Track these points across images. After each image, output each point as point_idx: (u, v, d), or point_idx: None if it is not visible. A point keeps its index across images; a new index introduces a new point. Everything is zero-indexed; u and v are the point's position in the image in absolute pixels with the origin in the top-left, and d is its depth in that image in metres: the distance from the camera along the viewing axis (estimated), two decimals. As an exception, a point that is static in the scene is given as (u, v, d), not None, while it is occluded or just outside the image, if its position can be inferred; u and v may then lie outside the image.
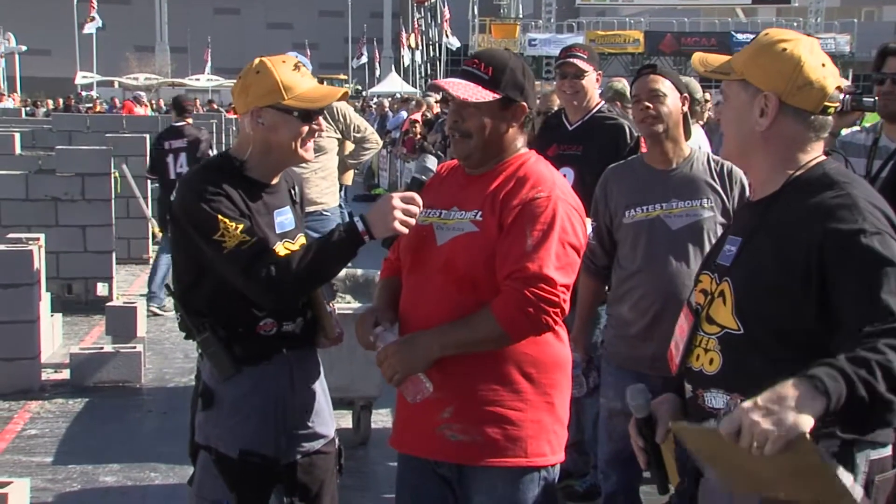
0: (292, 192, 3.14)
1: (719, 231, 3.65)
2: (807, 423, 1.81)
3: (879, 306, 1.97)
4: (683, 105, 3.76)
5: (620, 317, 3.82)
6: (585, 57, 4.82)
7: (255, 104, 2.93)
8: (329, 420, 3.20)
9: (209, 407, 3.01)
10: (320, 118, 3.02)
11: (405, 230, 2.77)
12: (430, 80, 45.30)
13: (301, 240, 3.06)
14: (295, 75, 2.94)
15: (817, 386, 1.82)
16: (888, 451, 2.16)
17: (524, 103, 2.79)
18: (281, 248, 2.95)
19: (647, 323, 3.70)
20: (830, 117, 2.21)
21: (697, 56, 2.33)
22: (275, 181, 3.05)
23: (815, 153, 2.22)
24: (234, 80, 3.10)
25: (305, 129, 2.95)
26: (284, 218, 3.02)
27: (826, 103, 2.18)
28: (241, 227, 2.84)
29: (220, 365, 2.95)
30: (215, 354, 2.94)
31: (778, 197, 2.19)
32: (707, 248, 3.62)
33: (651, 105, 3.70)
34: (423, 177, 2.91)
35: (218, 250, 2.83)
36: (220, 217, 2.84)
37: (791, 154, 2.20)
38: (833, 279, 2.04)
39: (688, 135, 3.80)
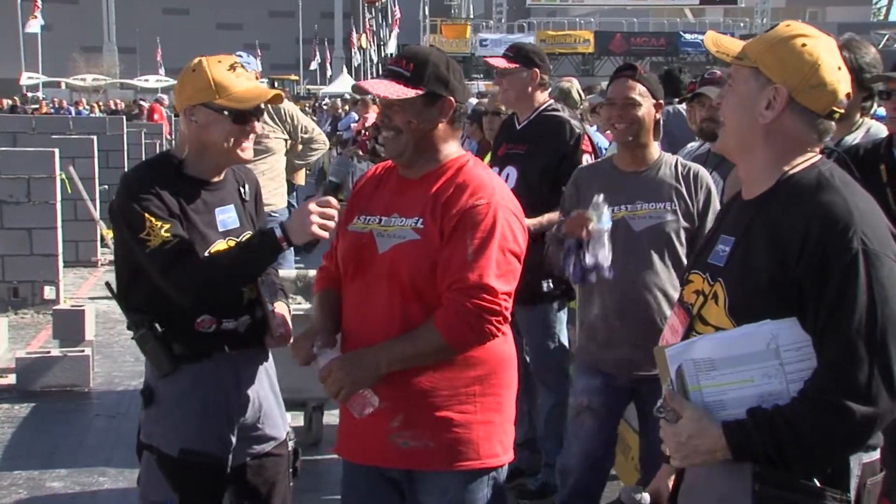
0: (242, 190, 3.13)
1: (682, 235, 3.68)
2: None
3: (837, 365, 1.99)
4: (657, 112, 3.77)
5: (588, 320, 3.85)
6: (510, 55, 4.80)
7: (188, 102, 2.96)
8: (280, 422, 3.19)
9: (149, 405, 3.03)
10: (256, 121, 2.99)
11: (324, 234, 2.81)
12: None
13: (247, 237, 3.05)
14: (229, 75, 2.94)
15: (733, 446, 2.03)
16: (878, 454, 2.15)
17: (450, 98, 2.76)
18: (223, 246, 2.97)
19: (609, 324, 3.73)
20: (834, 123, 2.16)
21: (711, 36, 2.27)
22: (217, 179, 3.04)
23: (811, 154, 2.16)
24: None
25: (238, 129, 2.95)
26: (227, 216, 3.03)
27: (834, 108, 2.13)
28: (167, 226, 2.87)
29: (156, 361, 2.97)
30: (152, 351, 2.96)
31: (771, 196, 2.13)
32: (667, 251, 3.67)
33: (624, 112, 3.70)
34: (337, 179, 2.93)
35: (142, 248, 2.87)
36: (147, 216, 2.87)
37: (789, 153, 2.14)
38: (810, 294, 2.01)
39: (657, 137, 3.82)
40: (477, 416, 2.74)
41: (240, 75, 2.96)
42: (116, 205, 2.97)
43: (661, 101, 3.82)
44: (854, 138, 3.75)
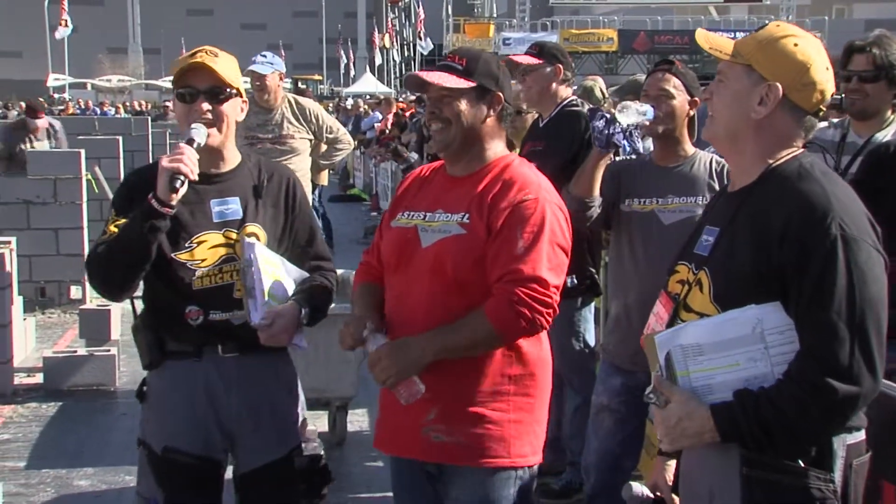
0: (259, 182, 3.06)
1: None
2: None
3: (816, 346, 2.06)
4: (692, 108, 3.77)
5: (614, 313, 3.87)
6: (534, 52, 4.80)
7: None
8: (285, 436, 3.08)
9: (143, 400, 3.06)
10: (202, 102, 2.92)
11: (175, 164, 2.79)
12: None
13: (251, 228, 2.99)
14: (183, 60, 2.96)
15: (720, 428, 2.10)
16: (863, 435, 2.21)
17: (500, 93, 2.84)
18: (220, 238, 2.96)
19: (630, 319, 3.73)
20: (818, 121, 2.25)
21: (702, 34, 2.34)
22: (218, 170, 3.01)
23: (794, 149, 2.24)
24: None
25: (184, 109, 2.94)
26: (226, 208, 2.99)
27: (821, 106, 2.22)
28: (120, 222, 2.91)
29: (142, 352, 3.02)
30: (140, 342, 3.00)
31: (755, 187, 2.22)
32: None
33: (656, 104, 3.70)
34: (189, 139, 2.93)
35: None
36: (113, 209, 2.98)
37: (776, 147, 2.22)
38: (791, 279, 2.08)
39: (692, 135, 3.82)
40: (510, 414, 2.77)
41: (196, 57, 2.92)
42: None
43: (697, 99, 3.79)
44: (885, 135, 3.72)
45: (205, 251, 2.94)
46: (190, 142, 2.87)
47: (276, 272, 2.97)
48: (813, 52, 2.20)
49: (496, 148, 2.87)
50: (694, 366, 2.15)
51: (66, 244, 9.13)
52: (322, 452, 3.22)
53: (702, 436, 2.13)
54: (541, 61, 4.75)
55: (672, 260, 2.43)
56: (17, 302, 7.28)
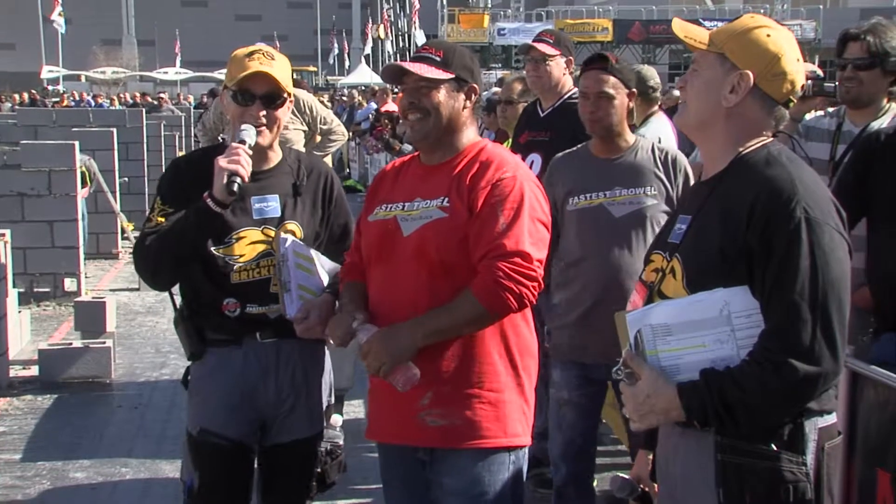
0: (299, 179, 3.13)
1: (662, 219, 3.62)
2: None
3: (779, 324, 2.09)
4: (630, 101, 3.76)
5: (561, 306, 3.81)
6: (551, 41, 4.82)
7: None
8: (314, 419, 3.19)
9: (186, 387, 3.14)
10: (259, 109, 2.99)
11: (232, 166, 2.87)
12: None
13: (289, 226, 3.06)
14: (241, 60, 2.99)
15: (686, 405, 2.14)
16: (834, 418, 2.24)
17: (475, 84, 2.89)
18: (259, 234, 3.03)
19: (585, 310, 3.69)
20: (787, 112, 2.29)
21: (678, 24, 2.37)
22: (261, 167, 3.06)
23: (763, 138, 2.28)
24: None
25: (239, 111, 3.00)
26: (266, 205, 3.07)
27: (790, 97, 2.26)
28: (168, 211, 2.99)
29: (184, 343, 3.09)
30: (181, 334, 3.08)
31: (725, 175, 2.25)
32: (650, 235, 3.59)
33: (597, 108, 3.70)
34: (241, 139, 2.99)
35: (143, 225, 3.05)
36: (158, 197, 3.06)
37: (746, 136, 2.26)
38: (757, 261, 2.12)
39: (630, 120, 3.82)
40: (502, 395, 2.80)
41: (254, 59, 2.98)
42: None
43: (634, 91, 3.80)
44: (881, 123, 3.72)
45: (244, 247, 3.02)
46: (241, 142, 2.94)
47: (310, 266, 3.05)
48: (785, 44, 2.24)
49: (469, 135, 2.91)
50: (662, 345, 2.19)
51: (61, 236, 9.11)
52: (342, 442, 3.27)
53: (669, 413, 2.17)
54: (559, 51, 4.78)
55: (648, 250, 2.46)
56: (12, 294, 7.26)
